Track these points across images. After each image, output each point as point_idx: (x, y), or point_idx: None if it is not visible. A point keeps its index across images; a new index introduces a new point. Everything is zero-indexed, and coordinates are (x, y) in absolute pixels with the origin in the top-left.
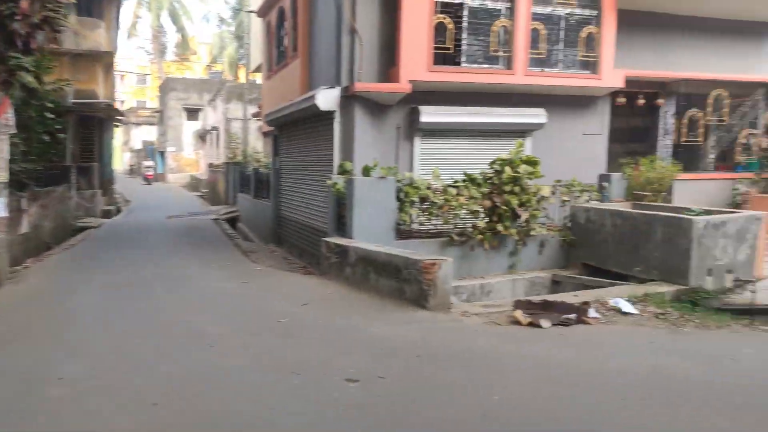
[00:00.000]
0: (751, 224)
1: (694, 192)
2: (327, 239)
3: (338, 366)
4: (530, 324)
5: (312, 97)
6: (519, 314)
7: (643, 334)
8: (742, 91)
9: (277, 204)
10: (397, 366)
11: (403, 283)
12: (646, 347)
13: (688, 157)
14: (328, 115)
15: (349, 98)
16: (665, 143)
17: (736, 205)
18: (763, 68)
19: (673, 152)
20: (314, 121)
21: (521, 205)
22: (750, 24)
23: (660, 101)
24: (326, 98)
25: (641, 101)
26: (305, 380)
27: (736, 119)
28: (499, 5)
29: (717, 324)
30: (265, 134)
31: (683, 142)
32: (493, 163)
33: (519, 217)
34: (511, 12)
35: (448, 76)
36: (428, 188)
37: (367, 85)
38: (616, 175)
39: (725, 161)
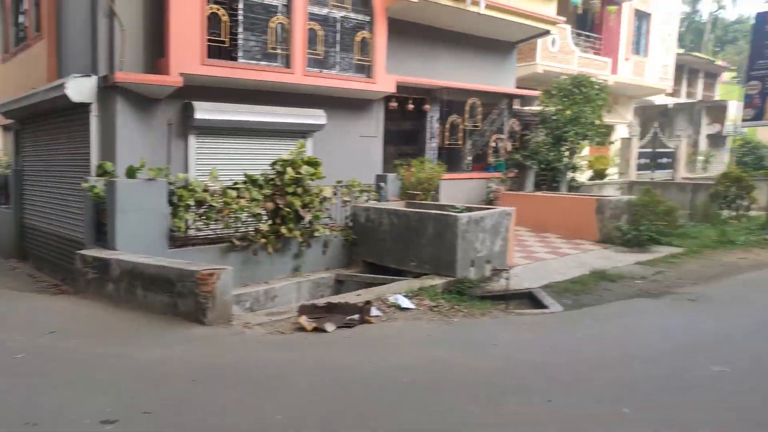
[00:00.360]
0: (503, 219)
1: (456, 190)
2: (83, 252)
3: (92, 406)
4: (315, 329)
5: (61, 86)
6: (303, 320)
7: (420, 329)
8: (491, 100)
9: (21, 211)
10: (167, 395)
11: (177, 298)
12: (424, 341)
13: (451, 158)
14: (83, 108)
15: (109, 89)
16: (432, 146)
17: (490, 202)
18: (507, 81)
19: (439, 154)
20: (66, 114)
21: (304, 206)
22: (496, 42)
23: (427, 107)
24: (79, 88)
25: (411, 106)
26: (45, 431)
27: (488, 125)
28: (276, 1)
29: (481, 311)
30: (5, 128)
31: (447, 145)
32: (274, 163)
33: (302, 218)
34: (288, 9)
35: (224, 71)
36: (205, 191)
37: (130, 75)
38: (391, 176)
39: (480, 162)
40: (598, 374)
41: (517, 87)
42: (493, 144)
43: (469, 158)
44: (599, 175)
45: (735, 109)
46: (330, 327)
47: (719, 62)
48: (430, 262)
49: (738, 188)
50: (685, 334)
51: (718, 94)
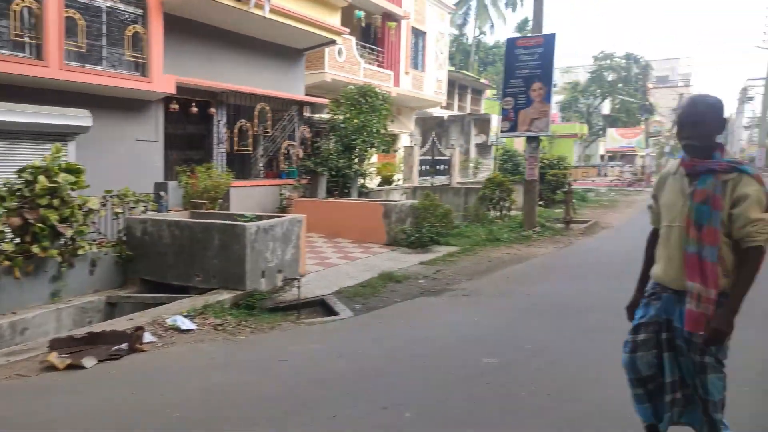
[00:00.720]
0: (294, 226)
1: (248, 198)
2: None
3: None
4: (70, 366)
5: None
6: (54, 357)
7: (202, 351)
8: (281, 106)
9: None
10: None
11: None
12: (204, 366)
13: (241, 165)
14: None
15: None
16: (220, 151)
17: (283, 209)
18: (296, 88)
19: (228, 160)
20: None
21: (63, 220)
22: (284, 48)
23: (212, 110)
24: None
25: (194, 109)
26: None
27: (279, 131)
28: None
29: (270, 325)
30: None
31: (236, 151)
32: (22, 171)
33: (62, 234)
34: None
35: None
36: None
37: None
38: (172, 184)
39: (272, 169)
40: (384, 379)
41: (307, 94)
42: (285, 151)
43: (261, 165)
44: (387, 181)
45: (496, 122)
46: (89, 362)
47: (483, 80)
48: (218, 275)
49: (501, 191)
50: (461, 329)
51: (483, 108)
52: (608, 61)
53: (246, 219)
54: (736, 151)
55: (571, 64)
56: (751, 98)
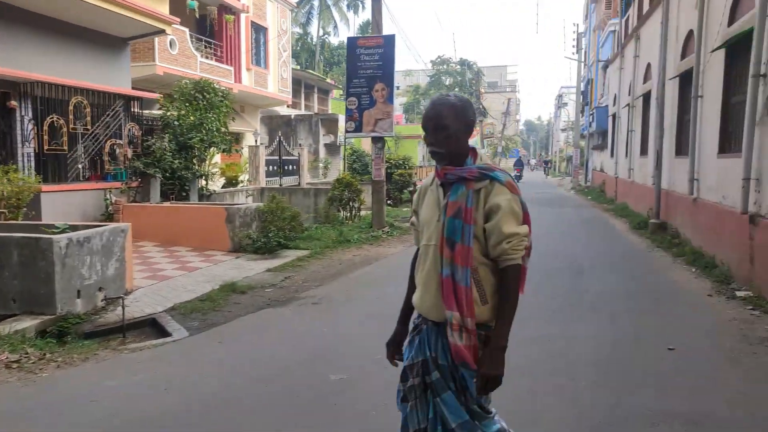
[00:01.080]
0: (117, 237)
1: (66, 204)
2: None
3: None
4: None
5: None
6: None
7: None
8: (104, 100)
9: None
10: None
11: None
12: None
13: (56, 166)
14: None
15: None
16: (27, 151)
17: (110, 216)
18: (121, 81)
19: (38, 162)
20: None
21: None
22: (105, 36)
23: (13, 103)
24: None
25: None
26: None
27: (102, 128)
28: None
29: (83, 356)
30: None
31: (48, 151)
32: None
33: None
34: None
35: None
36: None
37: None
38: None
39: (97, 171)
40: (220, 413)
41: (136, 88)
42: (110, 150)
43: (80, 166)
44: (231, 182)
45: (343, 122)
46: None
47: (329, 80)
48: (20, 298)
49: (350, 192)
50: (309, 342)
51: (330, 108)
52: (445, 66)
53: (57, 230)
54: (556, 151)
55: (412, 67)
56: (565, 104)
